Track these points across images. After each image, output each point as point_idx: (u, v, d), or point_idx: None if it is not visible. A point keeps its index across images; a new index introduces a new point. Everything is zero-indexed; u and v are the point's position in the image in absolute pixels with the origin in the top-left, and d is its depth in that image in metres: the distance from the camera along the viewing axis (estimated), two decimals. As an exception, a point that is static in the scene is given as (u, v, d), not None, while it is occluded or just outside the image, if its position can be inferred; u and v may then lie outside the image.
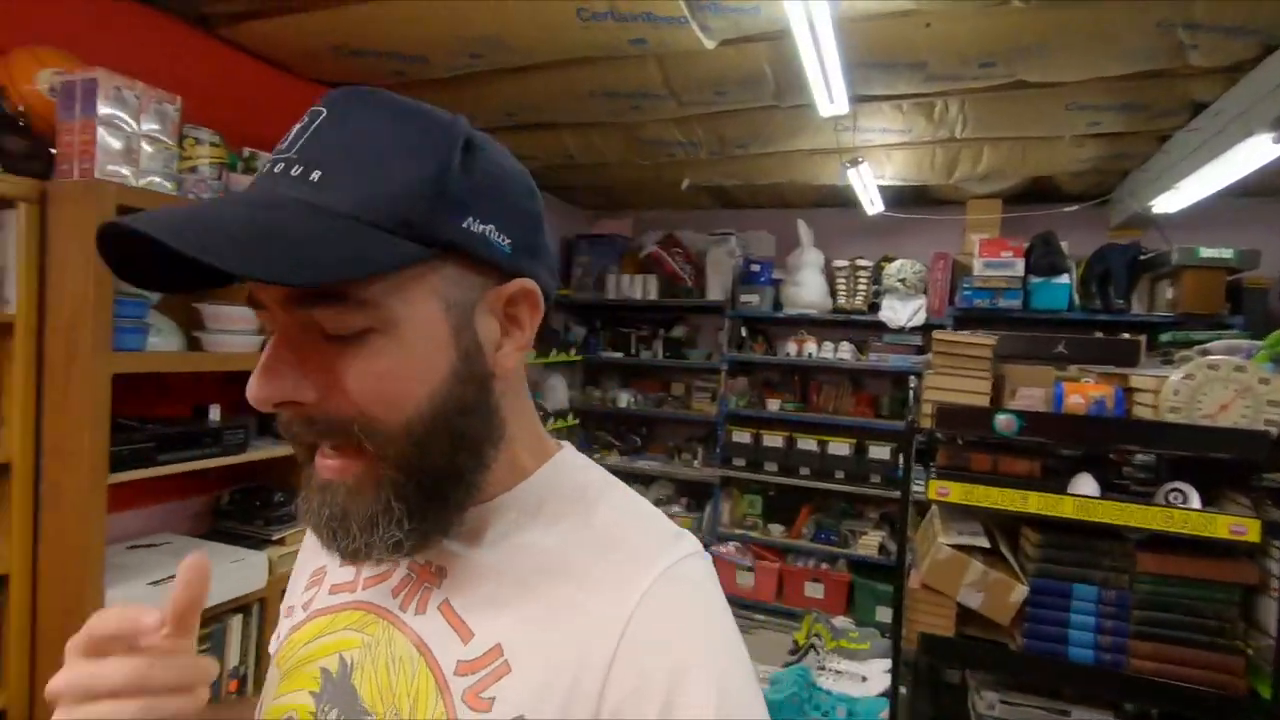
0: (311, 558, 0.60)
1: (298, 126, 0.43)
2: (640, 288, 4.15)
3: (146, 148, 1.64)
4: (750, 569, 3.85)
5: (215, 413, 1.99)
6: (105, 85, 1.54)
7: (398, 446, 0.43)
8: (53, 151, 1.60)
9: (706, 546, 3.12)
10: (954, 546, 1.60)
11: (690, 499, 4.19)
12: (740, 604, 3.87)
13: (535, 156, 3.43)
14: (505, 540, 0.49)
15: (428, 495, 0.44)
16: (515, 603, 0.46)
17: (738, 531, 3.96)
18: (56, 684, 0.40)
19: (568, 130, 3.10)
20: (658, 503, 4.03)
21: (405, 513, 0.43)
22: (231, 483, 2.13)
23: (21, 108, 1.61)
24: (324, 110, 0.42)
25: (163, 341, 1.77)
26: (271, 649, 0.60)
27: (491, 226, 0.44)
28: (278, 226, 0.38)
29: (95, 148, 1.53)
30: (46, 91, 1.60)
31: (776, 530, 3.95)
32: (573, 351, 3.46)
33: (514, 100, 2.68)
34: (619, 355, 4.29)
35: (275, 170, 0.41)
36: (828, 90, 2.05)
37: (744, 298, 3.95)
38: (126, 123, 1.59)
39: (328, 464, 0.44)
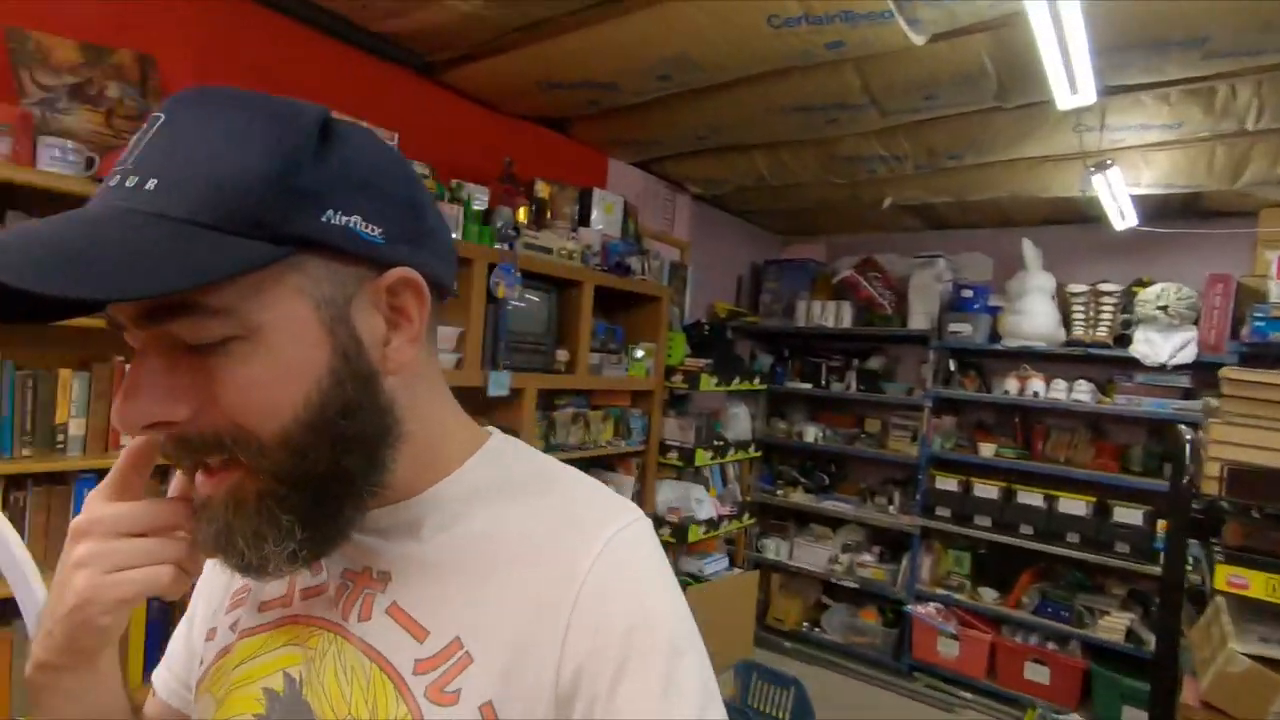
0: (228, 578, 0.57)
1: (136, 135, 0.39)
2: (833, 315, 3.88)
3: (368, 181, 1.81)
4: (954, 637, 3.36)
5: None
6: (337, 126, 1.72)
7: (274, 457, 0.41)
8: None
9: (901, 605, 2.75)
10: (1256, 658, 1.19)
11: (884, 549, 3.79)
12: (941, 676, 3.39)
13: (726, 179, 3.37)
14: (444, 532, 0.48)
15: (317, 502, 0.43)
16: (466, 593, 0.46)
17: (940, 591, 3.49)
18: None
19: (759, 151, 2.99)
20: (845, 549, 3.71)
21: (295, 523, 0.42)
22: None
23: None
24: (162, 115, 0.39)
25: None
26: (158, 679, 0.60)
27: (357, 217, 0.41)
28: (109, 240, 0.36)
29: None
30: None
31: (988, 595, 3.41)
32: (756, 380, 3.30)
33: (704, 122, 2.64)
34: (807, 386, 4.04)
35: (112, 184, 0.38)
36: (1069, 79, 1.73)
37: (953, 327, 3.52)
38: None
39: (206, 480, 0.43)
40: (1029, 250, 3.34)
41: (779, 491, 4.05)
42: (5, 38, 1.52)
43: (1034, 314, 3.29)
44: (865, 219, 3.98)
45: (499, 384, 2.12)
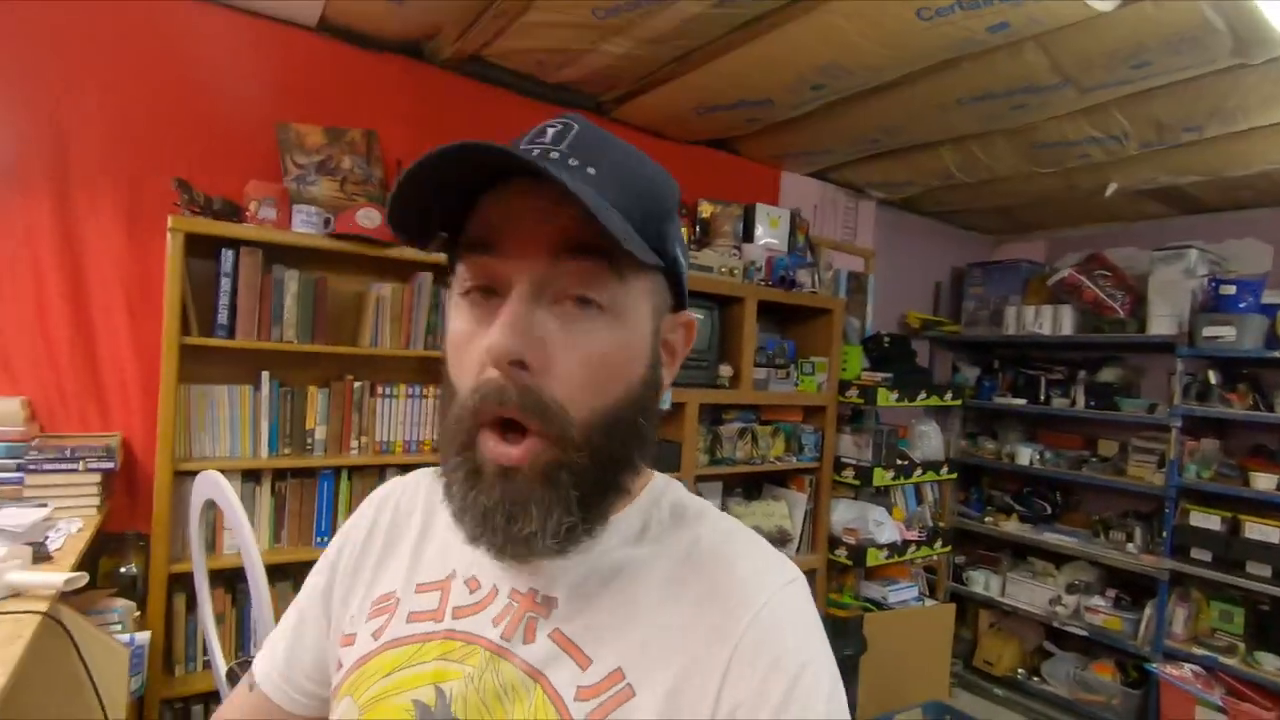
0: (370, 582, 0.57)
1: (552, 129, 0.46)
2: (1050, 321, 3.42)
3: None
4: (1220, 709, 2.74)
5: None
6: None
7: (586, 432, 0.44)
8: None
9: (1145, 662, 2.37)
10: None
11: (1121, 593, 3.21)
12: (1203, 755, 2.79)
13: (910, 181, 3.16)
14: (613, 563, 0.49)
15: (599, 486, 0.46)
16: (629, 626, 0.46)
17: (1199, 651, 2.88)
18: None
19: (944, 147, 2.77)
20: (1071, 589, 3.22)
21: (579, 500, 0.44)
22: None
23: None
24: (575, 125, 0.47)
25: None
26: (261, 674, 0.60)
27: (684, 261, 0.52)
28: (597, 197, 0.42)
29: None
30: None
31: (1269, 662, 2.74)
32: (948, 395, 3.03)
33: (874, 125, 2.52)
34: (1021, 402, 3.59)
35: (552, 156, 0.44)
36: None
37: (1210, 331, 2.90)
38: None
39: (508, 451, 0.43)
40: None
41: (987, 519, 3.64)
42: (276, 132, 1.98)
43: (1331, 312, 2.61)
44: (1090, 210, 3.46)
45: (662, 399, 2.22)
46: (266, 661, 0.61)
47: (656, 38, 1.97)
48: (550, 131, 0.46)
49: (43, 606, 1.08)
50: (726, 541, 0.51)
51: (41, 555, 1.27)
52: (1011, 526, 3.56)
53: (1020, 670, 3.40)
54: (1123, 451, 3.37)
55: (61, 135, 1.73)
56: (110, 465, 1.65)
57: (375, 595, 0.56)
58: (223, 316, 1.78)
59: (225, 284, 1.78)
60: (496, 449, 0.43)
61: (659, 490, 0.54)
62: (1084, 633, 3.18)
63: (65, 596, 1.20)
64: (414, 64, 2.23)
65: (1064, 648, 3.37)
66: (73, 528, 1.49)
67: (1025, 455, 3.54)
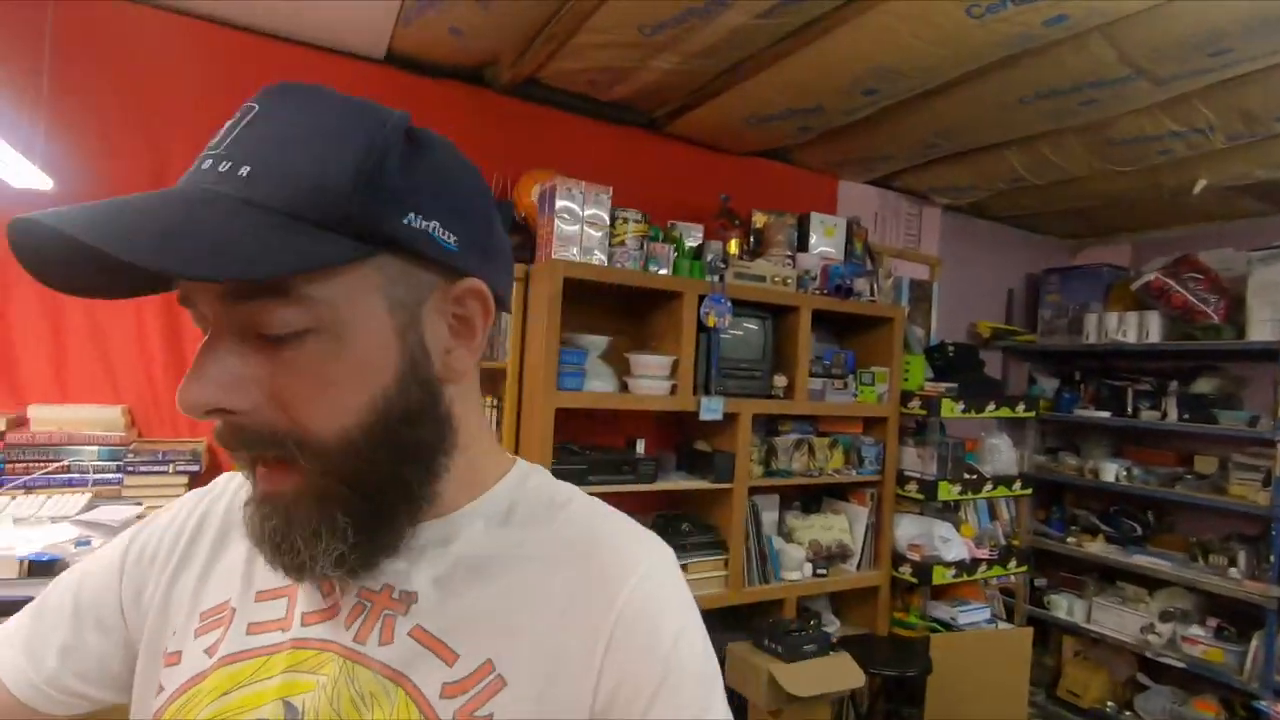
0: (192, 595, 0.51)
1: (229, 123, 0.40)
2: (1135, 329, 3.21)
3: (590, 231, 2.08)
4: (1344, 755, 2.47)
5: (641, 446, 2.34)
6: (560, 187, 2.02)
7: (336, 459, 0.40)
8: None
9: (1255, 699, 2.19)
10: None
11: (1224, 623, 2.95)
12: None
13: (975, 185, 3.06)
14: (476, 552, 0.47)
15: (373, 508, 0.42)
16: (500, 615, 0.45)
17: (1319, 690, 2.61)
18: None
19: (1010, 148, 2.67)
20: (1166, 618, 2.99)
21: (351, 526, 0.41)
22: (655, 508, 2.46)
23: (523, 214, 2.24)
24: (255, 106, 0.40)
25: (601, 384, 2.18)
26: (142, 701, 0.50)
27: (436, 223, 0.42)
28: (202, 221, 0.36)
29: (553, 236, 2.02)
30: (535, 199, 2.19)
31: (1406, 706, 2.45)
32: (1020, 407, 2.88)
33: (931, 128, 2.47)
34: (1105, 415, 3.38)
35: (204, 166, 0.39)
36: None
37: (1321, 336, 2.66)
38: (574, 213, 2.05)
39: (268, 476, 0.42)
40: None
41: (1070, 539, 3.42)
42: (346, 157, 2.11)
43: None
44: (1179, 210, 3.25)
45: (710, 409, 2.22)
46: (19, 657, 0.52)
47: (704, 51, 2.00)
48: (225, 126, 0.40)
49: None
50: (595, 523, 0.50)
51: (132, 547, 1.39)
52: (1097, 548, 3.33)
53: (1110, 703, 3.16)
54: (1223, 468, 3.12)
55: (160, 165, 1.91)
56: (195, 468, 1.79)
57: (204, 608, 0.50)
58: (297, 330, 1.91)
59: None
60: (260, 472, 0.42)
61: (523, 474, 0.52)
62: (1182, 665, 2.93)
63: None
64: (475, 89, 2.34)
65: (1160, 680, 3.12)
66: (162, 524, 1.62)
67: (1110, 471, 3.32)
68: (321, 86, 0.42)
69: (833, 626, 2.62)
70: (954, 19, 1.68)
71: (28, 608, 0.55)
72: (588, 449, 2.23)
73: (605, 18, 1.83)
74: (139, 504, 1.65)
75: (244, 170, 0.37)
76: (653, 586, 0.46)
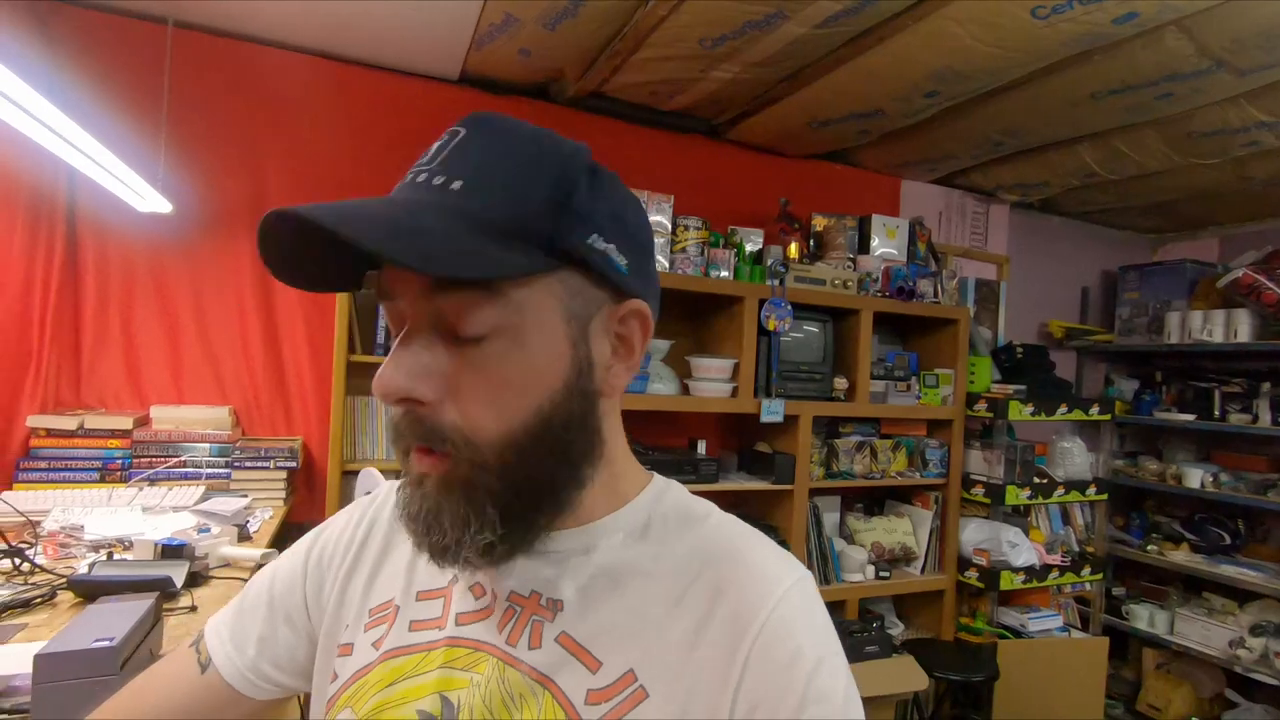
0: (363, 593, 0.57)
1: (438, 144, 0.45)
2: (1222, 327, 3.06)
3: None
4: None
5: (702, 447, 2.40)
6: (624, 198, 2.10)
7: (497, 455, 0.43)
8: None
9: None
10: None
11: (1324, 639, 2.79)
12: None
13: (1046, 182, 2.98)
14: (616, 563, 0.49)
15: (521, 506, 0.45)
16: (640, 627, 0.46)
17: None
18: None
19: (1083, 144, 2.60)
20: (1257, 631, 2.85)
21: (498, 517, 0.44)
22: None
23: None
24: (461, 130, 0.45)
25: (663, 387, 2.25)
26: (320, 689, 0.56)
27: (613, 246, 0.45)
28: (422, 223, 0.40)
29: (617, 244, 2.10)
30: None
31: None
32: (1094, 410, 2.79)
33: (996, 127, 2.43)
34: (1189, 418, 3.22)
35: (418, 180, 0.44)
36: None
37: None
38: (637, 222, 2.12)
39: (425, 459, 0.44)
40: None
41: (1150, 547, 3.28)
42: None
43: None
44: (1270, 203, 3.08)
45: (771, 411, 2.26)
46: (228, 645, 0.58)
47: (764, 61, 2.04)
48: (434, 147, 0.45)
49: (247, 575, 1.33)
50: (735, 540, 0.50)
51: (244, 536, 1.54)
52: (1181, 557, 3.19)
53: (1195, 718, 3.02)
54: (1321, 475, 2.94)
55: (259, 192, 2.09)
56: (293, 464, 1.95)
57: (372, 605, 0.55)
58: (381, 336, 2.05)
59: (382, 309, 2.05)
60: (416, 456, 0.45)
61: (659, 490, 0.53)
62: (1275, 682, 2.78)
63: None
64: (541, 104, 2.45)
65: (1251, 697, 2.97)
66: (266, 515, 1.78)
67: (1195, 477, 3.17)
68: (513, 118, 0.46)
69: (896, 629, 2.61)
70: (1018, 20, 1.67)
71: (231, 603, 0.62)
72: (651, 450, 2.31)
73: (667, 33, 1.90)
74: (245, 496, 1.82)
75: (455, 184, 0.42)
76: (792, 609, 0.45)
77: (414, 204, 0.42)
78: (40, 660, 0.77)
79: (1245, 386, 3.14)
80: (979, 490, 2.62)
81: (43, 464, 1.77)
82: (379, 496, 0.62)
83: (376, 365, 1.88)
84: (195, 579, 1.26)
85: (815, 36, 1.87)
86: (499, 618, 0.49)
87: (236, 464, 1.91)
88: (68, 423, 1.79)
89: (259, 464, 1.92)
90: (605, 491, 0.50)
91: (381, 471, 1.64)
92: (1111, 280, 3.66)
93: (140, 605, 0.93)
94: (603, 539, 0.49)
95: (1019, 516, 2.76)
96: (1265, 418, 3.00)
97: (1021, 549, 2.58)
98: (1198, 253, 3.57)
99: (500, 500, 0.44)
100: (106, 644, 0.80)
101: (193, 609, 1.14)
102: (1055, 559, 2.66)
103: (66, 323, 1.91)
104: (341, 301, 1.95)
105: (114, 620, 0.87)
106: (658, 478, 0.54)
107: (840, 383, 2.45)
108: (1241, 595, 3.04)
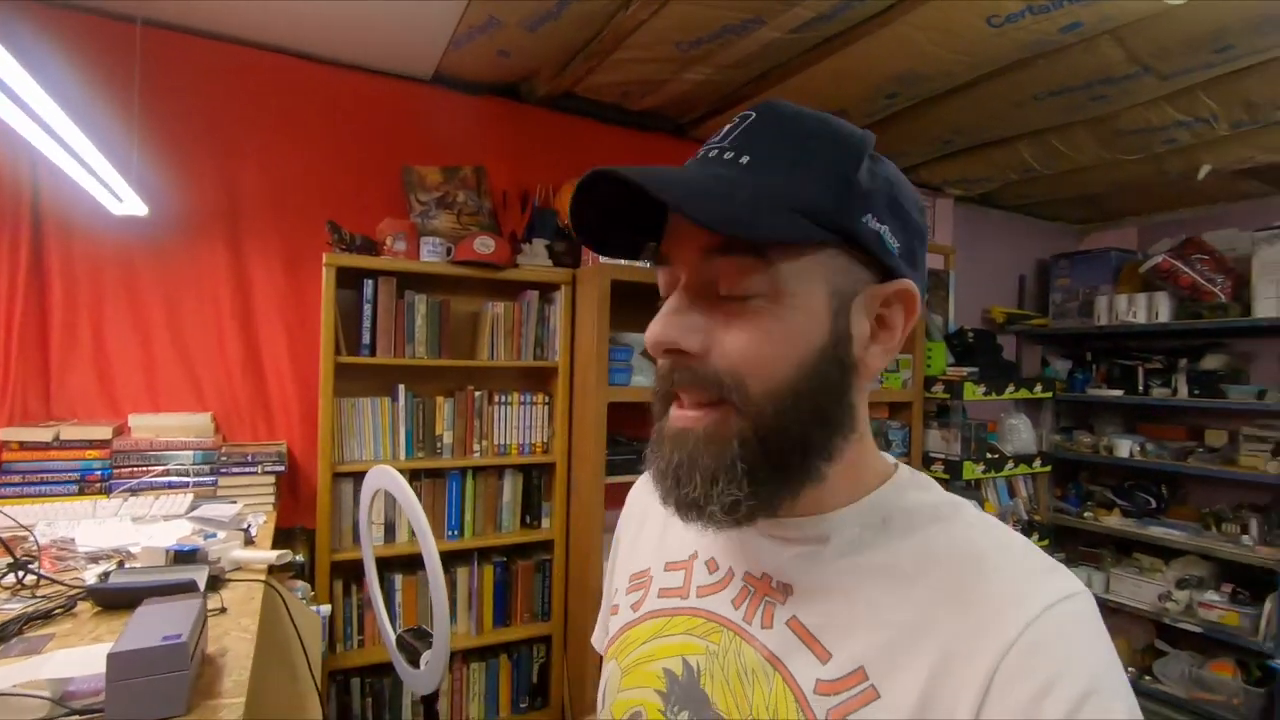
0: (627, 560, 0.65)
1: (728, 126, 0.49)
2: (1144, 309, 3.34)
3: (631, 235, 2.21)
4: (1357, 708, 2.61)
5: (681, 436, 2.47)
6: (605, 195, 2.15)
7: (758, 406, 0.44)
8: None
9: (1270, 658, 2.23)
10: None
11: (1238, 587, 3.09)
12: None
13: (987, 178, 3.18)
14: (851, 556, 0.48)
15: (772, 461, 0.45)
16: (872, 624, 0.45)
17: (1331, 648, 2.74)
18: None
19: (1021, 141, 2.79)
20: (1182, 585, 3.13)
21: (747, 473, 0.44)
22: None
23: (566, 222, 2.37)
24: (753, 113, 0.48)
25: (645, 379, 2.31)
26: (598, 643, 0.67)
27: (886, 228, 0.47)
28: (715, 188, 0.43)
29: (600, 240, 2.15)
30: (578, 207, 2.32)
31: None
32: (1038, 388, 3.01)
33: (946, 126, 2.59)
34: (1117, 393, 3.51)
35: (709, 155, 0.47)
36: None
37: (1324, 311, 2.79)
38: (618, 219, 2.18)
39: (685, 414, 0.47)
40: None
41: (1086, 514, 3.56)
42: (401, 174, 2.25)
43: None
44: (1184, 194, 3.37)
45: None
46: (602, 635, 0.68)
47: (736, 63, 2.13)
48: (726, 128, 0.49)
49: (261, 578, 1.32)
50: (987, 544, 0.46)
51: (248, 540, 1.53)
52: (1114, 521, 3.47)
53: (1130, 669, 3.30)
54: (1232, 441, 3.25)
55: (233, 194, 2.04)
56: (281, 468, 1.93)
57: (632, 570, 0.63)
58: (365, 337, 2.05)
59: (367, 310, 2.05)
60: (676, 412, 0.47)
61: (903, 482, 0.51)
62: (1199, 630, 3.07)
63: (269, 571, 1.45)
64: (513, 104, 2.47)
65: (1177, 645, 3.26)
66: (259, 520, 1.76)
67: (1124, 448, 3.45)
68: (799, 106, 0.49)
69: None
70: (974, 28, 1.81)
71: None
72: (634, 440, 2.37)
73: (645, 35, 1.96)
74: (235, 501, 1.79)
75: (744, 159, 0.45)
76: (1053, 629, 0.40)
77: (708, 174, 0.45)
78: (114, 659, 0.78)
79: (1165, 363, 3.44)
80: (939, 467, 2.79)
81: (16, 478, 1.70)
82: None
83: (363, 366, 1.90)
84: (214, 582, 1.25)
85: (788, 41, 1.96)
86: (734, 594, 0.52)
87: (223, 470, 1.87)
88: (43, 434, 1.72)
89: (246, 469, 1.89)
90: (847, 477, 0.49)
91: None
92: (1045, 268, 3.93)
93: (190, 605, 0.94)
94: (839, 529, 0.49)
95: (974, 490, 2.95)
96: (1183, 391, 3.30)
97: (978, 520, 2.76)
98: (1119, 241, 3.87)
99: (751, 456, 0.45)
100: (176, 640, 0.82)
101: (223, 610, 1.14)
102: (1008, 528, 2.85)
103: (32, 331, 1.83)
104: (327, 305, 1.94)
105: (170, 619, 0.88)
106: (902, 468, 0.53)
107: (810, 370, 2.56)
108: (1167, 554, 3.33)
